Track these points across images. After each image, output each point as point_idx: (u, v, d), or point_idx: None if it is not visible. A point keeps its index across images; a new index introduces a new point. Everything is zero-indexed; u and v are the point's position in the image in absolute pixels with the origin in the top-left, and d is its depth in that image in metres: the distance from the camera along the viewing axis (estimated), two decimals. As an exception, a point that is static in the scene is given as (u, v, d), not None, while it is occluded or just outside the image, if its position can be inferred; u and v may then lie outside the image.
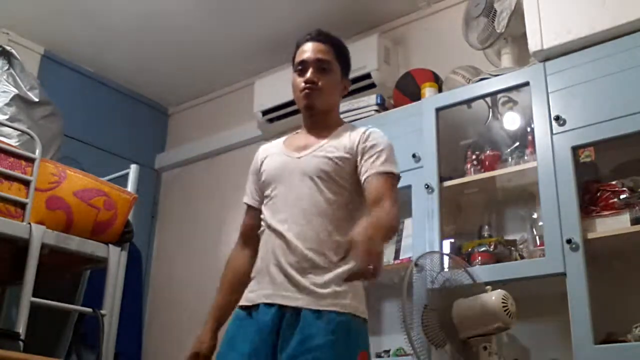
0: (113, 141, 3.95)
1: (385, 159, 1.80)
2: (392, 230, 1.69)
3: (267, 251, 1.79)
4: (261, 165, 1.95)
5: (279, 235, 1.77)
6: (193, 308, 3.70)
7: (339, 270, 1.68)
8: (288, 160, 1.87)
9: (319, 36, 1.95)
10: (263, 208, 1.89)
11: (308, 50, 1.93)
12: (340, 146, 1.84)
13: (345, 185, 1.81)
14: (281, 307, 1.69)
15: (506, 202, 2.66)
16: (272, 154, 1.94)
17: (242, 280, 1.86)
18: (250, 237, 1.92)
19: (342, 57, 1.97)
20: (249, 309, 1.76)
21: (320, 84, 1.88)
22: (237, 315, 1.81)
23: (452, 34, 2.98)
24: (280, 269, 1.73)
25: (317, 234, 1.74)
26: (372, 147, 1.82)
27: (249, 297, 1.79)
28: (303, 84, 1.89)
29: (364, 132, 1.86)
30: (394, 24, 3.40)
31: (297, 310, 1.67)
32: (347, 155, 1.82)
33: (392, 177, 1.79)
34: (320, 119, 1.92)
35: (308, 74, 1.89)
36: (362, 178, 1.78)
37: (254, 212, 1.94)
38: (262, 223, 1.87)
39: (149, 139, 4.28)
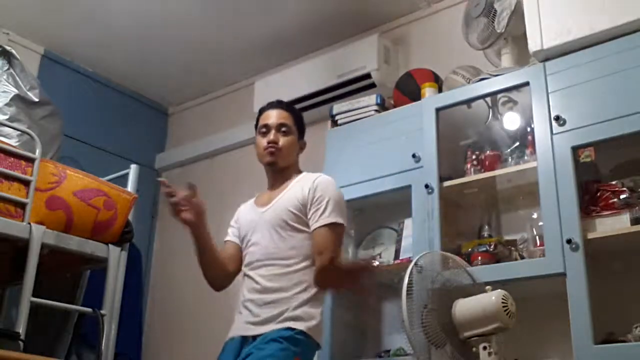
0: (113, 141, 3.95)
1: (330, 210, 2.09)
2: (321, 278, 2.04)
3: (243, 292, 2.13)
4: (238, 220, 2.31)
5: (249, 278, 2.12)
6: (193, 308, 3.71)
7: (295, 302, 2.02)
8: (255, 215, 2.20)
9: (280, 104, 2.30)
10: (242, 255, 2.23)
11: (271, 116, 2.25)
12: (294, 197, 2.13)
13: (304, 233, 2.11)
14: (241, 337, 2.05)
15: (506, 202, 2.66)
16: (246, 211, 2.29)
17: (221, 262, 2.22)
18: (229, 258, 2.24)
19: (299, 121, 2.29)
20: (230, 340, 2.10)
21: (280, 144, 2.20)
22: (225, 346, 2.12)
23: (452, 34, 2.98)
24: (245, 306, 2.08)
25: (279, 274, 2.07)
26: (318, 198, 2.11)
27: (230, 332, 2.13)
28: (266, 144, 2.21)
29: (313, 182, 2.14)
30: (394, 24, 3.40)
31: (255, 337, 2.01)
32: (301, 205, 2.11)
33: (336, 226, 2.09)
34: (280, 175, 2.23)
35: (271, 136, 2.21)
36: (312, 227, 2.09)
37: (233, 245, 2.27)
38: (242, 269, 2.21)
39: (149, 139, 4.28)
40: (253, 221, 2.20)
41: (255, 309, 2.04)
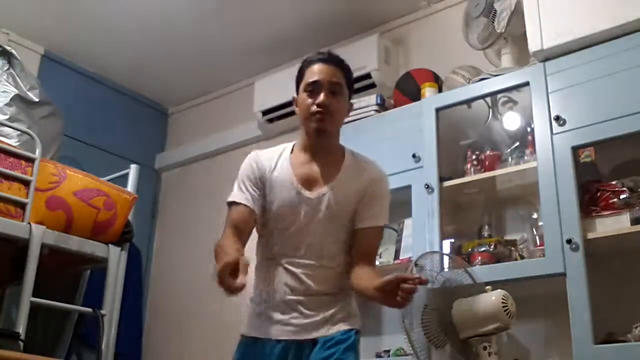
0: (113, 141, 3.95)
1: (386, 211, 1.92)
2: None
3: (276, 286, 1.84)
4: (267, 182, 1.91)
5: (291, 274, 1.83)
6: (193, 308, 3.71)
7: (340, 298, 1.84)
8: (302, 198, 1.86)
9: (332, 59, 1.93)
10: (266, 238, 1.90)
11: (321, 71, 1.90)
12: (351, 191, 1.88)
13: (350, 225, 1.88)
14: (294, 341, 1.79)
15: (506, 202, 2.66)
16: (282, 181, 1.89)
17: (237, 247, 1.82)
18: (241, 232, 1.85)
19: (350, 81, 1.97)
20: (256, 340, 1.83)
21: (332, 108, 1.87)
22: (246, 344, 1.85)
23: (452, 34, 2.98)
24: (293, 308, 1.81)
25: (332, 278, 1.84)
26: (379, 195, 1.91)
27: (260, 329, 1.83)
28: (315, 107, 1.86)
29: (373, 178, 1.92)
30: (394, 24, 3.40)
31: (313, 340, 1.78)
32: (357, 200, 1.88)
33: (383, 229, 1.94)
34: (326, 143, 1.93)
35: (321, 97, 1.86)
36: (361, 224, 1.87)
37: (246, 211, 1.87)
38: (264, 252, 1.90)
39: (149, 139, 4.28)
40: (295, 203, 1.86)
41: (305, 311, 1.81)
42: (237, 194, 1.91)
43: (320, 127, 1.87)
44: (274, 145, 2.02)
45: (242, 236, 1.85)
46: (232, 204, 1.91)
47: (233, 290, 1.55)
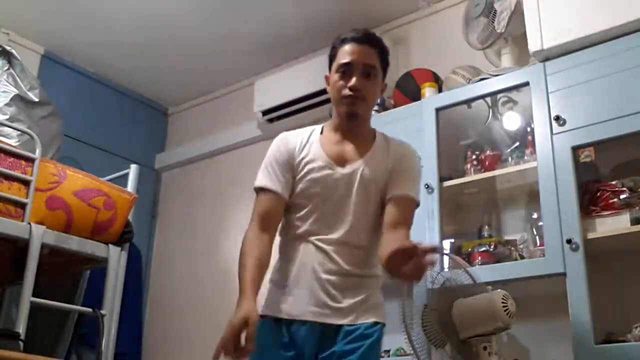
0: (113, 141, 3.95)
1: (418, 187, 1.86)
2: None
3: (305, 265, 1.76)
4: (298, 161, 1.85)
5: (322, 251, 1.76)
6: (193, 308, 3.71)
7: (370, 284, 1.77)
8: (335, 175, 1.81)
9: (368, 38, 1.85)
10: (297, 216, 1.82)
11: (355, 52, 1.82)
12: (382, 167, 1.82)
13: (380, 203, 1.82)
14: (321, 324, 1.72)
15: (506, 202, 2.66)
16: (314, 160, 1.84)
17: (263, 265, 1.78)
18: (269, 223, 1.82)
19: (385, 60, 1.89)
20: (280, 321, 1.75)
21: (364, 92, 1.81)
22: (267, 325, 1.76)
23: (452, 34, 2.98)
24: (322, 288, 1.73)
25: (361, 257, 1.77)
26: (410, 169, 1.86)
27: (283, 309, 1.75)
28: (348, 91, 1.81)
29: (403, 152, 1.88)
30: (394, 24, 3.40)
31: (338, 327, 1.71)
32: (387, 174, 1.82)
33: (416, 205, 1.84)
34: (357, 126, 1.87)
35: (353, 80, 1.80)
36: (391, 194, 1.79)
37: (276, 198, 1.82)
38: (292, 231, 1.82)
39: (149, 139, 4.28)
40: (328, 180, 1.80)
41: (334, 291, 1.73)
42: (266, 179, 1.85)
43: (351, 112, 1.83)
44: None
45: (270, 228, 1.81)
46: (260, 190, 1.85)
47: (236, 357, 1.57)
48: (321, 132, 1.90)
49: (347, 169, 1.81)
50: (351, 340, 1.68)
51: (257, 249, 1.76)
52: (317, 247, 1.76)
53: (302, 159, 1.84)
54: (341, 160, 1.83)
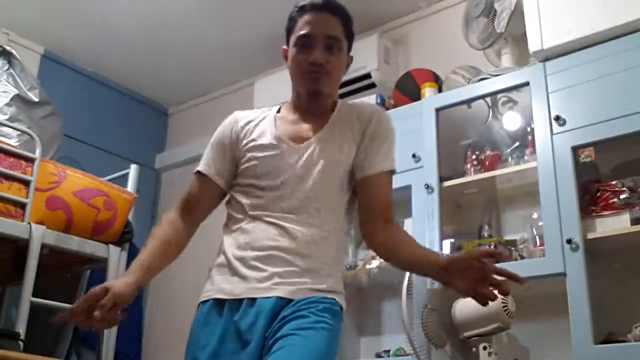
0: (113, 141, 3.95)
1: (392, 154, 1.65)
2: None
3: (256, 239, 1.55)
4: (243, 142, 1.66)
5: (277, 226, 1.55)
6: (193, 308, 3.70)
7: (330, 272, 1.56)
8: (286, 151, 1.60)
9: (328, 6, 1.63)
10: (247, 198, 1.62)
11: (316, 22, 1.61)
12: (345, 139, 1.62)
13: (347, 175, 1.62)
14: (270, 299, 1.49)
15: (506, 202, 2.66)
16: (265, 139, 1.64)
17: (168, 252, 1.66)
18: (190, 207, 1.69)
19: (349, 30, 1.67)
20: (221, 302, 1.57)
21: (328, 67, 1.61)
22: (207, 308, 1.61)
23: (452, 34, 2.98)
24: (275, 264, 1.52)
25: (318, 234, 1.55)
26: (380, 134, 1.63)
27: (225, 289, 1.58)
28: (309, 66, 1.61)
29: (371, 115, 1.65)
30: (394, 24, 3.40)
31: (288, 300, 1.49)
32: (352, 143, 1.62)
33: (392, 175, 1.65)
34: (320, 103, 1.67)
35: (315, 53, 1.59)
36: (367, 171, 1.60)
37: (207, 185, 1.69)
38: (243, 211, 1.61)
39: (149, 139, 4.28)
40: (280, 158, 1.60)
41: (293, 270, 1.51)
42: (202, 163, 1.73)
43: (314, 89, 1.63)
44: None
45: (190, 213, 1.69)
46: (195, 173, 1.73)
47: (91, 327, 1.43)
48: (278, 112, 1.72)
49: (301, 145, 1.61)
50: (300, 306, 1.47)
51: (164, 234, 1.65)
52: (272, 223, 1.55)
53: (252, 138, 1.66)
54: (296, 138, 1.62)
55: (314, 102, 1.67)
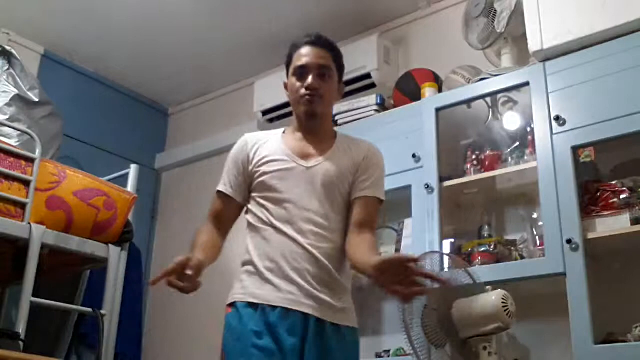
0: (113, 141, 3.95)
1: (382, 185, 1.90)
2: None
3: (277, 253, 1.77)
4: (254, 160, 1.90)
5: (295, 242, 1.76)
6: (193, 308, 3.70)
7: (344, 286, 1.81)
8: (297, 168, 1.85)
9: (320, 41, 1.94)
10: (261, 209, 1.84)
11: (309, 54, 1.91)
12: (345, 165, 1.87)
13: (346, 200, 1.86)
14: (304, 314, 1.71)
15: (506, 202, 2.66)
16: (274, 156, 1.88)
17: (214, 246, 1.87)
18: (219, 222, 1.93)
19: (339, 62, 1.97)
20: (256, 307, 1.74)
21: (321, 91, 1.88)
22: (242, 310, 1.75)
23: (452, 34, 2.98)
24: (300, 276, 1.73)
25: (329, 249, 1.78)
26: (373, 167, 1.89)
27: (260, 295, 1.75)
28: (304, 90, 1.87)
29: (369, 150, 1.92)
30: (394, 24, 3.40)
31: (320, 321, 1.72)
32: (351, 170, 1.87)
33: (380, 203, 1.88)
34: (317, 125, 1.92)
35: (309, 80, 1.87)
36: (358, 193, 1.85)
37: (227, 201, 1.92)
38: (261, 221, 1.83)
39: (149, 139, 4.28)
40: (292, 174, 1.84)
41: (316, 284, 1.74)
42: (221, 183, 1.95)
43: (309, 110, 1.88)
44: None
45: (221, 226, 1.92)
46: (216, 192, 1.96)
47: (181, 289, 1.59)
48: (284, 133, 1.97)
49: (310, 164, 1.86)
50: (342, 343, 1.74)
51: (205, 235, 1.88)
52: (290, 237, 1.77)
53: (262, 157, 1.89)
54: (303, 155, 1.88)
55: (311, 123, 1.91)
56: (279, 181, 1.84)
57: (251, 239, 1.85)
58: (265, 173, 1.86)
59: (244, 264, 1.85)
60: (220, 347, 1.83)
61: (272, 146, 1.91)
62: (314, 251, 1.76)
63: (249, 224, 1.89)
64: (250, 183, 1.89)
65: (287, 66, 1.97)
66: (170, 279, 1.58)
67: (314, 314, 1.71)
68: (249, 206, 1.90)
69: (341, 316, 1.76)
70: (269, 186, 1.84)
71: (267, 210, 1.83)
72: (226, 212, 1.93)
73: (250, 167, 1.89)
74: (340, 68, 1.97)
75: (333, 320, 1.73)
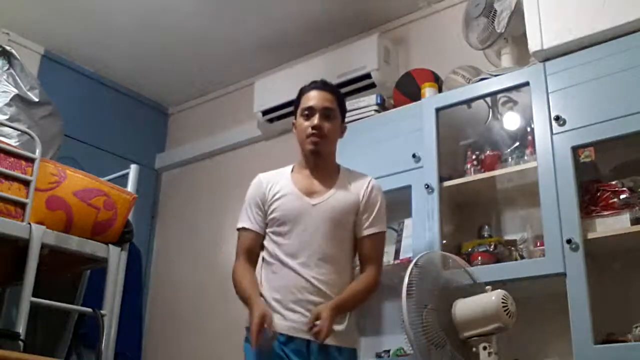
0: (113, 141, 3.95)
1: (382, 217, 2.14)
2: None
3: (283, 286, 2.02)
4: (269, 197, 2.13)
5: (300, 276, 2.01)
6: (193, 308, 3.71)
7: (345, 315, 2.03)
8: (303, 205, 2.08)
9: (325, 86, 2.18)
10: (272, 244, 2.09)
11: (315, 97, 2.14)
12: (350, 198, 2.10)
13: (350, 234, 2.10)
14: (306, 340, 1.95)
15: (506, 202, 2.66)
16: (284, 192, 2.12)
17: (256, 283, 2.07)
18: (251, 256, 2.13)
19: (342, 104, 2.21)
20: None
21: (325, 130, 2.11)
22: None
23: (452, 34, 2.98)
24: (302, 307, 1.97)
25: (332, 279, 2.02)
26: (374, 203, 2.12)
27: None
28: (310, 130, 2.10)
29: (367, 187, 2.14)
30: (394, 24, 3.40)
31: (323, 345, 1.93)
32: (353, 207, 2.10)
33: (384, 234, 2.15)
34: (322, 162, 2.15)
35: (315, 120, 2.10)
36: (361, 232, 2.10)
37: (254, 236, 2.13)
38: (270, 255, 2.08)
39: (149, 139, 4.28)
40: (299, 210, 2.08)
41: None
42: (246, 220, 2.15)
43: (315, 149, 2.12)
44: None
45: (252, 260, 2.12)
46: (241, 229, 2.15)
47: (265, 343, 1.87)
48: (292, 170, 2.20)
49: (316, 201, 2.09)
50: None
51: (248, 274, 2.07)
52: (296, 271, 2.01)
53: (274, 193, 2.13)
54: (309, 192, 2.11)
55: (316, 159, 2.15)
56: (287, 217, 2.07)
57: (264, 273, 2.08)
58: (276, 209, 2.10)
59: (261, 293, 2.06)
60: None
61: (282, 184, 2.14)
62: (317, 283, 1.99)
63: (263, 259, 2.12)
64: (265, 218, 2.13)
65: (296, 108, 2.21)
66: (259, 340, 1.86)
67: (306, 337, 1.94)
68: (264, 242, 2.12)
69: (342, 338, 1.98)
70: (279, 221, 2.08)
71: (276, 244, 2.07)
72: (255, 246, 2.13)
73: (266, 205, 2.13)
74: (343, 110, 2.22)
75: (334, 342, 1.95)
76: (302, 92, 2.20)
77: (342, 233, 2.08)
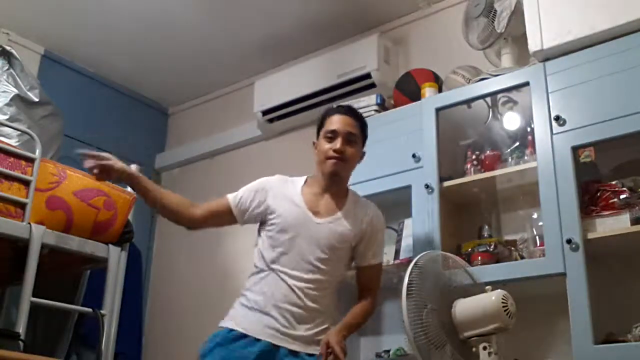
0: (113, 141, 3.95)
1: (382, 248, 2.22)
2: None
3: (270, 292, 2.06)
4: (272, 200, 2.16)
5: (288, 285, 2.04)
6: (193, 308, 3.71)
7: (322, 327, 2.07)
8: (307, 220, 2.11)
9: (351, 111, 2.22)
10: (268, 249, 2.11)
11: (339, 122, 2.16)
12: (350, 226, 2.13)
13: (345, 259, 2.16)
14: (274, 345, 2.00)
15: (506, 202, 2.66)
16: (290, 201, 2.15)
17: (180, 212, 2.24)
18: (205, 214, 2.21)
19: (365, 132, 2.23)
20: (240, 336, 2.04)
21: (347, 154, 2.14)
22: (227, 337, 2.07)
23: (452, 34, 2.98)
24: (280, 313, 2.02)
25: (318, 296, 2.06)
26: (375, 235, 2.18)
27: (245, 326, 2.04)
28: (332, 152, 2.12)
29: (369, 216, 2.18)
30: (394, 24, 3.41)
31: (293, 352, 2.01)
32: (354, 236, 2.14)
33: (382, 264, 2.23)
34: (336, 185, 2.18)
35: (338, 144, 2.12)
36: (363, 262, 2.17)
37: (226, 211, 2.19)
38: (264, 261, 2.11)
39: (149, 139, 4.28)
40: (301, 224, 2.12)
41: (293, 322, 2.03)
42: (235, 195, 2.20)
43: (334, 171, 2.14)
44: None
45: (202, 215, 2.21)
46: (228, 197, 2.21)
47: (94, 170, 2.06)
48: (305, 182, 2.22)
49: (320, 220, 2.12)
50: None
51: (180, 199, 2.27)
52: (281, 279, 2.05)
53: (281, 198, 2.16)
54: (315, 210, 2.14)
55: (332, 182, 2.17)
56: (289, 226, 2.10)
57: (252, 278, 2.13)
58: (279, 215, 2.13)
59: (242, 295, 2.13)
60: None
61: (292, 193, 2.17)
62: (302, 295, 2.03)
63: (255, 266, 2.15)
64: (261, 218, 2.17)
65: (319, 129, 2.21)
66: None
67: (286, 346, 2.00)
68: (259, 247, 2.16)
69: (317, 347, 2.00)
70: (279, 227, 2.11)
71: (273, 250, 2.10)
72: (215, 214, 2.20)
73: (266, 205, 2.16)
74: (365, 137, 2.23)
75: (307, 350, 2.01)
76: (327, 114, 2.21)
77: (339, 254, 2.12)
